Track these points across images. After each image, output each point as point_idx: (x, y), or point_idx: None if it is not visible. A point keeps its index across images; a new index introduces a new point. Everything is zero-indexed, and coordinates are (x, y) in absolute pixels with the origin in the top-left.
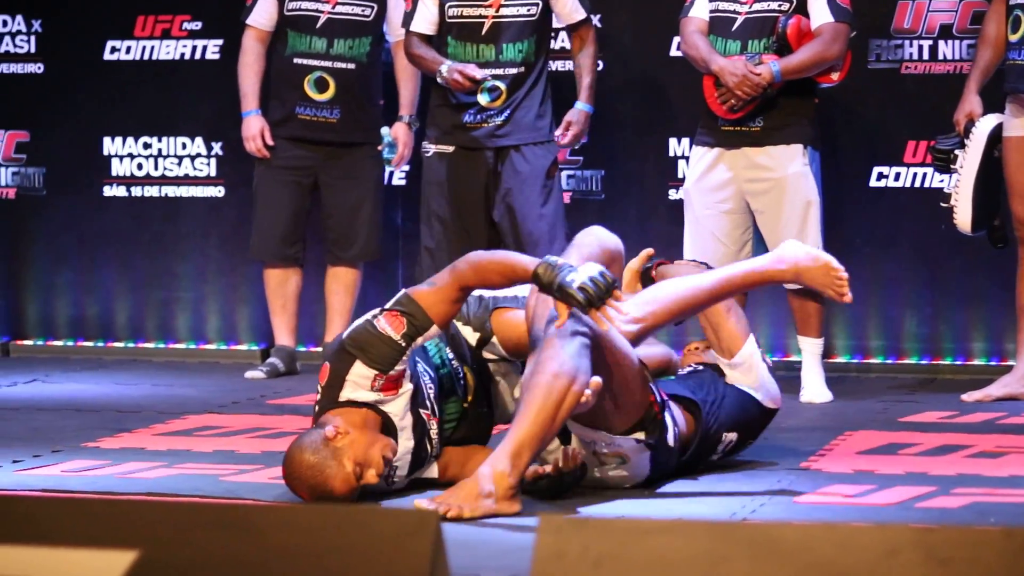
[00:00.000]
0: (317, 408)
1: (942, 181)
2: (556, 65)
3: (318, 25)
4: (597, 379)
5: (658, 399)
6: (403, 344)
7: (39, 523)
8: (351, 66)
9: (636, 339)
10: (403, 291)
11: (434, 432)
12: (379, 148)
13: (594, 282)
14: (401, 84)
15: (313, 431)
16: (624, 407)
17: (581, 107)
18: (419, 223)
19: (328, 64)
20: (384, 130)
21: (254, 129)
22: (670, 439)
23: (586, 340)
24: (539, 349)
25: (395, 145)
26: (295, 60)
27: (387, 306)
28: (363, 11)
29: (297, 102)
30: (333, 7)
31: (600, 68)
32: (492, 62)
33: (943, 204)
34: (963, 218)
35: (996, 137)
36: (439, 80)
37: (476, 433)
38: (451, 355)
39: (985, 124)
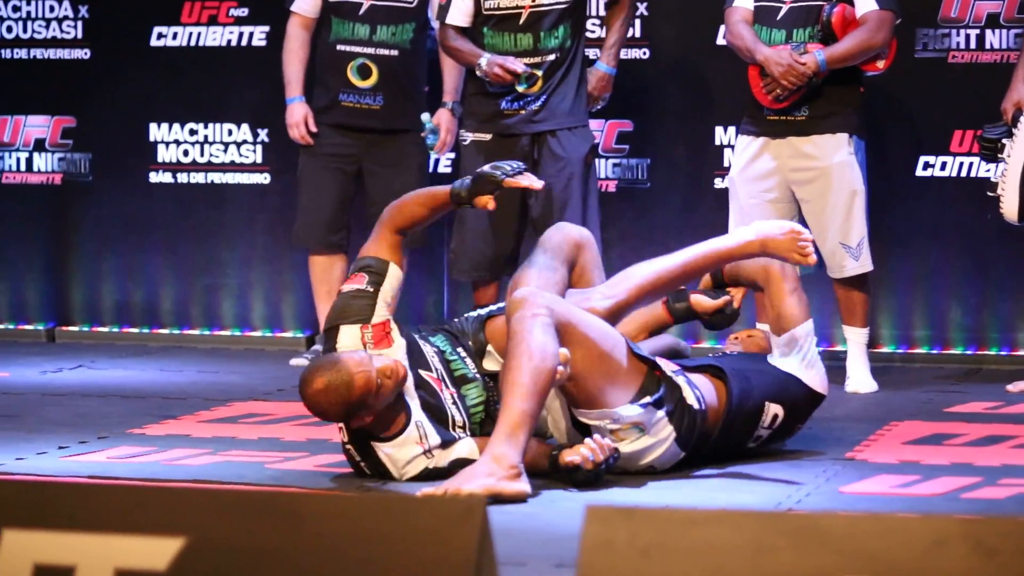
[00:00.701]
0: None
1: (988, 170)
2: (592, 53)
3: (361, 12)
4: (564, 351)
5: (658, 366)
6: (370, 289)
7: (85, 510)
8: (394, 52)
9: (612, 316)
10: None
11: (450, 402)
12: (422, 135)
13: (504, 164)
14: (445, 70)
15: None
16: (614, 377)
17: (602, 68)
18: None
19: (371, 51)
20: (425, 116)
21: (297, 116)
22: (691, 401)
23: (546, 319)
24: (508, 340)
25: (437, 131)
26: (338, 47)
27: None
28: None
29: (341, 89)
30: None
31: (646, 56)
32: (530, 50)
33: (990, 193)
34: (1010, 207)
35: None
36: (478, 73)
37: None
38: (463, 353)
39: None
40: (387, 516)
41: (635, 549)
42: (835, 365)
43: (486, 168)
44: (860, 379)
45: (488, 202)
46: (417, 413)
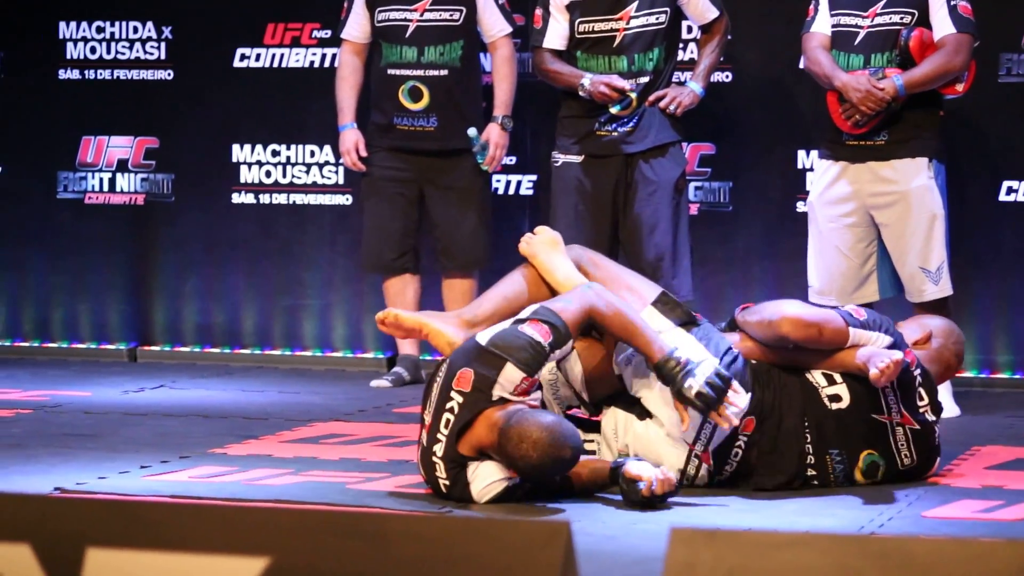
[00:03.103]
0: (457, 413)
1: None
2: (682, 76)
3: (408, 34)
4: None
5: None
6: (548, 351)
7: (170, 529)
8: (444, 72)
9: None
10: (539, 304)
11: None
12: (473, 151)
13: (711, 386)
14: (496, 85)
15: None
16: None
17: (691, 84)
18: None
19: (420, 72)
20: (472, 131)
21: (349, 143)
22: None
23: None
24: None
25: (487, 146)
26: (389, 71)
27: (525, 315)
28: (451, 15)
29: (394, 113)
30: (421, 15)
31: (729, 80)
32: (625, 73)
33: None
34: None
35: None
36: (581, 93)
37: None
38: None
39: None
40: (471, 538)
41: (719, 572)
42: None
43: (701, 386)
44: (943, 404)
45: (684, 417)
46: None
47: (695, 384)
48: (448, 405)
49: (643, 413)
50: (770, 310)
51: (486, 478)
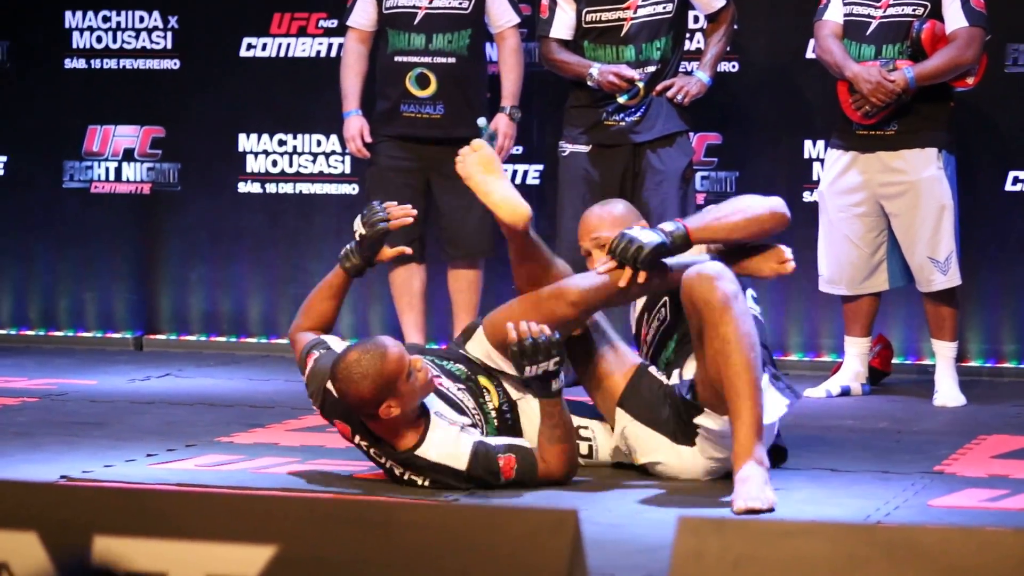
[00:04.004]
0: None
1: None
2: (691, 66)
3: (416, 21)
4: None
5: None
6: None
7: (177, 517)
8: (452, 60)
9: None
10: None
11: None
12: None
13: (370, 212)
14: (503, 75)
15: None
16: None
17: (698, 74)
18: (554, 222)
19: (428, 60)
20: (481, 121)
21: (353, 130)
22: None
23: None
24: (720, 317)
25: (495, 136)
26: (396, 58)
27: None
28: (460, 4)
29: (401, 100)
30: (430, 2)
31: (735, 69)
32: (632, 63)
33: None
34: None
35: None
36: (589, 83)
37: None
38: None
39: None
40: (479, 526)
41: (726, 561)
42: (923, 379)
43: (360, 228)
44: (948, 393)
45: (393, 253)
46: (433, 405)
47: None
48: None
49: None
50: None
51: (448, 441)
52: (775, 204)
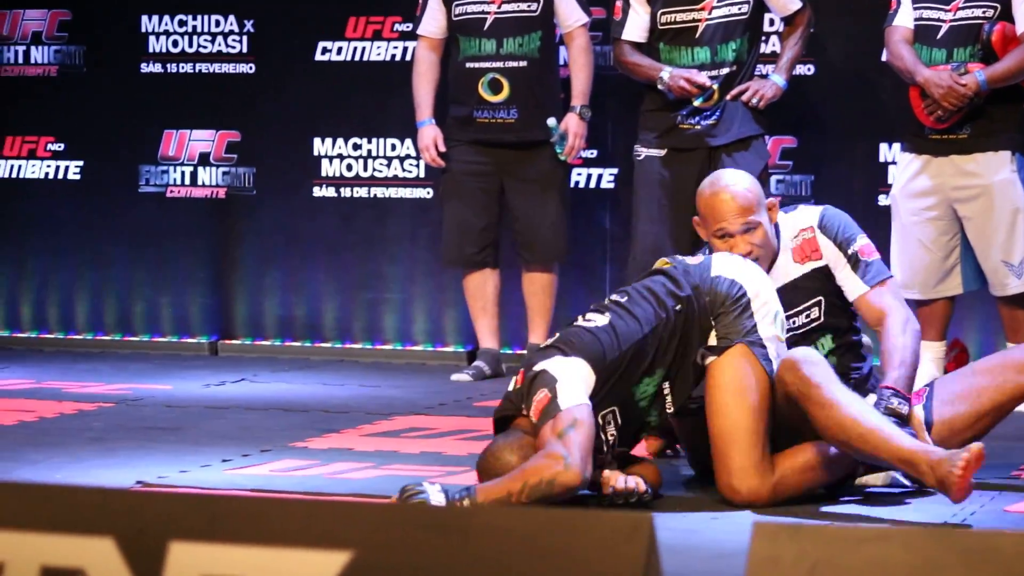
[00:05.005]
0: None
1: None
2: (766, 69)
3: (486, 27)
4: None
5: None
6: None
7: (253, 523)
8: (523, 64)
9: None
10: None
11: None
12: (551, 141)
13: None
14: (573, 74)
15: (523, 443)
16: None
17: (773, 79)
18: (627, 226)
19: (500, 64)
20: (551, 121)
21: (427, 139)
22: None
23: None
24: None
25: (565, 136)
26: (467, 64)
27: None
28: (529, 6)
29: (474, 106)
30: (499, 7)
31: (811, 72)
32: (707, 64)
33: None
34: None
35: None
36: (660, 87)
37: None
38: None
39: None
40: (554, 531)
41: (803, 567)
42: None
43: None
44: None
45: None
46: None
47: None
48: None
49: None
50: None
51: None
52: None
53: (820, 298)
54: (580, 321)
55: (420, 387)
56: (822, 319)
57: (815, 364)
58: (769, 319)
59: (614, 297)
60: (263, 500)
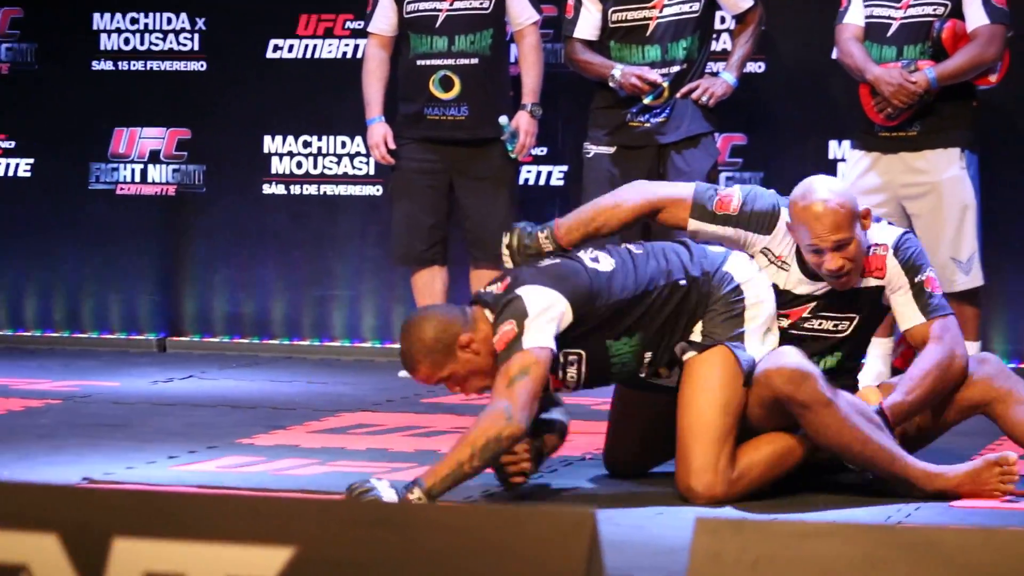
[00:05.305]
0: None
1: None
2: (717, 67)
3: (437, 24)
4: None
5: None
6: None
7: (196, 519)
8: (475, 61)
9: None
10: None
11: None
12: (502, 139)
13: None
14: (524, 72)
15: (456, 318)
16: None
17: (724, 75)
18: None
19: (451, 62)
20: (503, 119)
21: (377, 137)
22: None
23: None
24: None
25: (516, 134)
26: (418, 62)
27: None
28: (481, 4)
29: (425, 103)
30: (451, 4)
31: (761, 70)
32: (658, 62)
33: None
34: None
35: None
36: (611, 84)
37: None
38: None
39: None
40: (497, 528)
41: (745, 562)
42: None
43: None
44: None
45: None
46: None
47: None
48: None
49: None
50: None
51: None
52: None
53: (857, 316)
54: (586, 257)
55: (368, 384)
56: (847, 334)
57: (815, 376)
58: (759, 335)
59: (631, 247)
60: (206, 496)
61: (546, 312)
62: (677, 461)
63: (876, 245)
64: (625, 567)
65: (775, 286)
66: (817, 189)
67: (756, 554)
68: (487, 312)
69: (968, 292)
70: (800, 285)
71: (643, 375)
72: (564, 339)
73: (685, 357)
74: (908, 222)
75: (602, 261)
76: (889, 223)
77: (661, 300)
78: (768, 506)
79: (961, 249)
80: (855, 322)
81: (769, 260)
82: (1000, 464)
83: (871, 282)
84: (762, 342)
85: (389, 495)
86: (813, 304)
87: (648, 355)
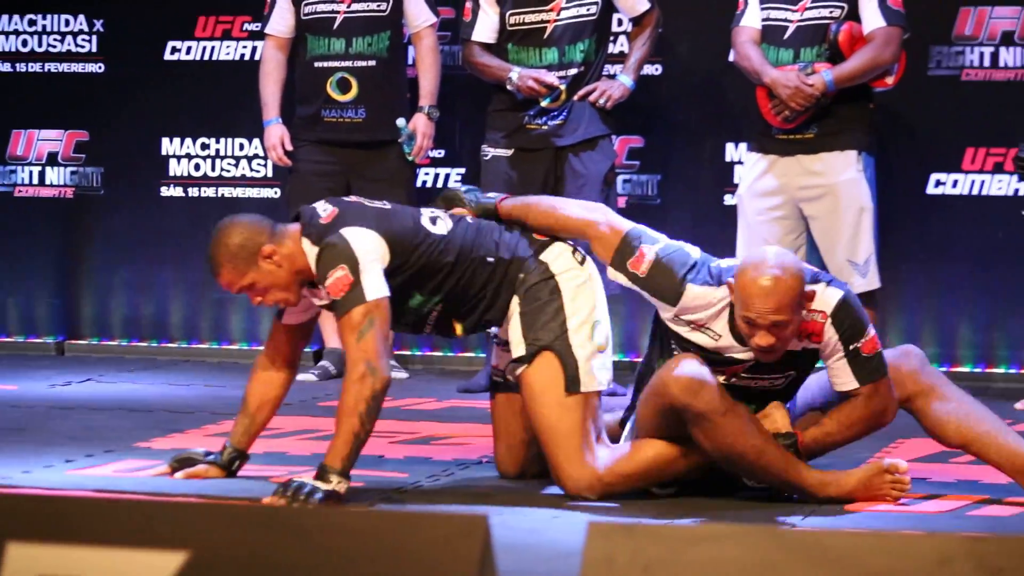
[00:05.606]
0: None
1: (1018, 190)
2: (614, 69)
3: (335, 25)
4: None
5: None
6: None
7: (90, 523)
8: (372, 63)
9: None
10: None
11: None
12: (399, 141)
13: None
14: (421, 75)
15: (264, 229)
16: None
17: (621, 78)
18: None
19: (348, 64)
20: (400, 121)
21: (274, 138)
22: None
23: None
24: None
25: (414, 136)
26: (316, 64)
27: None
28: (378, 6)
29: (322, 105)
30: (348, 6)
31: (658, 72)
32: (555, 65)
33: None
34: None
35: None
36: (509, 87)
37: None
38: None
39: None
40: (391, 531)
41: (637, 566)
42: None
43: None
44: None
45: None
46: None
47: None
48: None
49: None
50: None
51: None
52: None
53: (793, 372)
54: (426, 215)
55: None
56: (781, 388)
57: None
58: (586, 330)
59: (469, 220)
60: (100, 500)
61: (371, 254)
62: (548, 464)
63: (814, 311)
64: (518, 571)
65: (702, 347)
66: (771, 265)
67: (648, 558)
68: (305, 239)
69: (865, 295)
70: (732, 350)
71: (427, 330)
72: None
73: (517, 372)
74: (805, 224)
75: (439, 224)
76: (830, 284)
77: (469, 272)
78: (661, 510)
79: (858, 251)
80: (792, 378)
81: (690, 326)
82: (890, 472)
83: (809, 345)
84: (590, 337)
85: (324, 487)
86: (750, 364)
87: (437, 311)
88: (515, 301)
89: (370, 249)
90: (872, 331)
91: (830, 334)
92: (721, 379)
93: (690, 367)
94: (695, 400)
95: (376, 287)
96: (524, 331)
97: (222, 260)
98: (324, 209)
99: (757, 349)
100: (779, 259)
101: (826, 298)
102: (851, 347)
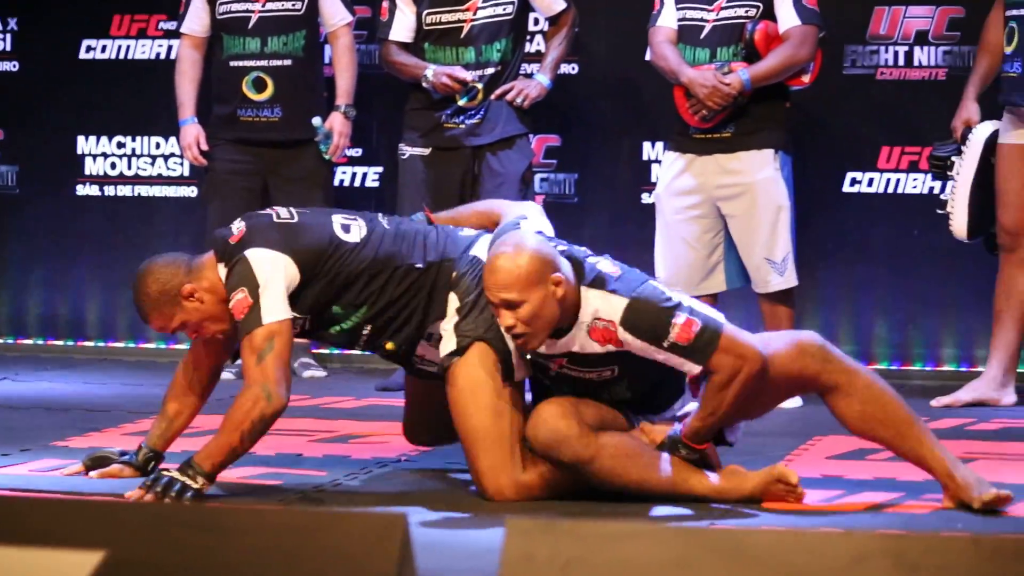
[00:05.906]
0: None
1: (933, 188)
2: (531, 68)
3: (250, 25)
4: None
5: None
6: None
7: (5, 522)
8: (287, 62)
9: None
10: None
11: None
12: (316, 140)
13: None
14: (337, 74)
15: (179, 268)
16: None
17: (538, 77)
18: None
19: (264, 63)
20: (316, 120)
21: (189, 138)
22: None
23: None
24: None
25: (331, 135)
26: (231, 63)
27: None
28: (293, 5)
29: (238, 105)
30: (263, 5)
31: (575, 71)
32: (472, 64)
33: (939, 211)
34: (959, 225)
35: (993, 144)
36: (424, 85)
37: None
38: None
39: (982, 131)
40: (309, 530)
41: (556, 564)
42: None
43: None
44: None
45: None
46: None
47: None
48: None
49: None
50: None
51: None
52: None
53: (616, 367)
54: (337, 222)
55: None
56: (615, 374)
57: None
58: None
59: (384, 221)
60: (14, 499)
61: (274, 277)
62: (468, 465)
63: (602, 319)
64: (438, 569)
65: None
66: (507, 243)
67: (567, 556)
68: (220, 264)
69: (782, 293)
70: (547, 347)
71: (360, 345)
72: (294, 298)
73: (447, 365)
74: (723, 223)
75: (352, 231)
76: (615, 292)
77: (395, 281)
78: (581, 508)
79: (775, 250)
80: (616, 370)
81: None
82: (782, 481)
83: (613, 349)
84: None
85: (191, 484)
86: (565, 359)
87: (368, 328)
88: (452, 297)
89: (271, 270)
90: (679, 317)
91: (630, 339)
92: (553, 371)
93: (544, 424)
94: (559, 456)
95: (275, 310)
96: (457, 324)
97: (147, 309)
98: (237, 227)
99: (511, 336)
100: (518, 239)
101: (610, 308)
102: (664, 344)
